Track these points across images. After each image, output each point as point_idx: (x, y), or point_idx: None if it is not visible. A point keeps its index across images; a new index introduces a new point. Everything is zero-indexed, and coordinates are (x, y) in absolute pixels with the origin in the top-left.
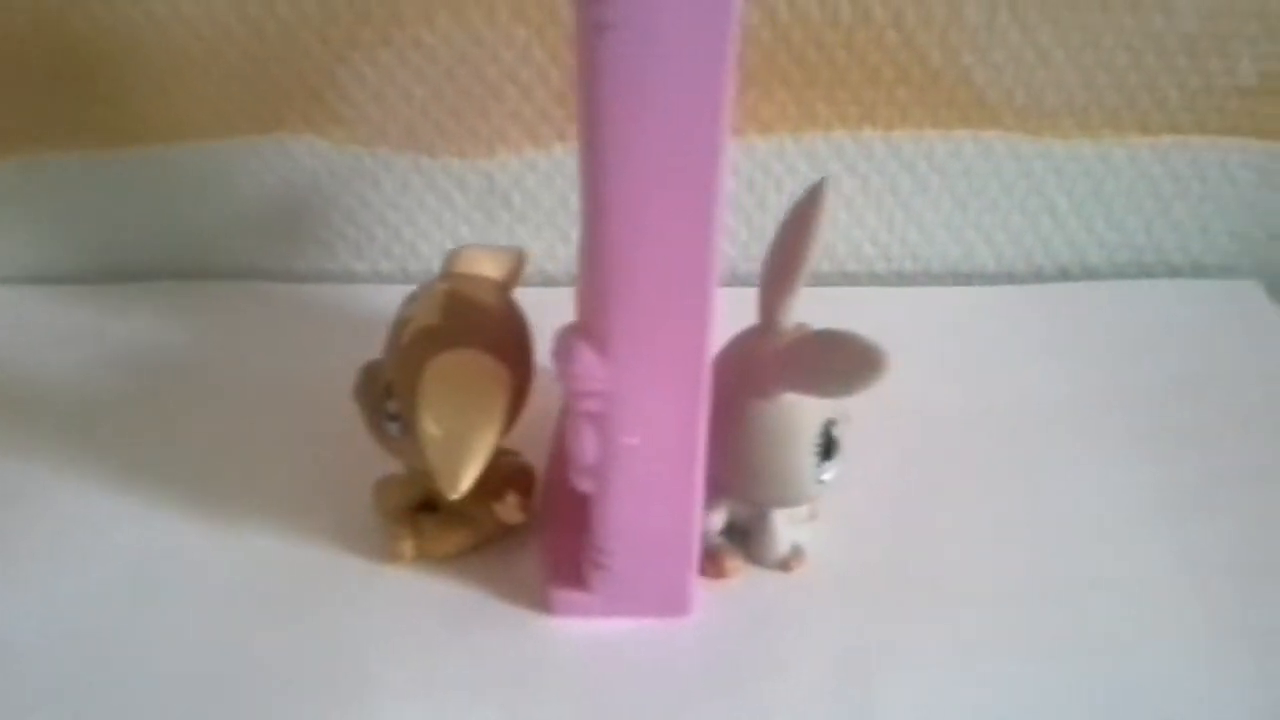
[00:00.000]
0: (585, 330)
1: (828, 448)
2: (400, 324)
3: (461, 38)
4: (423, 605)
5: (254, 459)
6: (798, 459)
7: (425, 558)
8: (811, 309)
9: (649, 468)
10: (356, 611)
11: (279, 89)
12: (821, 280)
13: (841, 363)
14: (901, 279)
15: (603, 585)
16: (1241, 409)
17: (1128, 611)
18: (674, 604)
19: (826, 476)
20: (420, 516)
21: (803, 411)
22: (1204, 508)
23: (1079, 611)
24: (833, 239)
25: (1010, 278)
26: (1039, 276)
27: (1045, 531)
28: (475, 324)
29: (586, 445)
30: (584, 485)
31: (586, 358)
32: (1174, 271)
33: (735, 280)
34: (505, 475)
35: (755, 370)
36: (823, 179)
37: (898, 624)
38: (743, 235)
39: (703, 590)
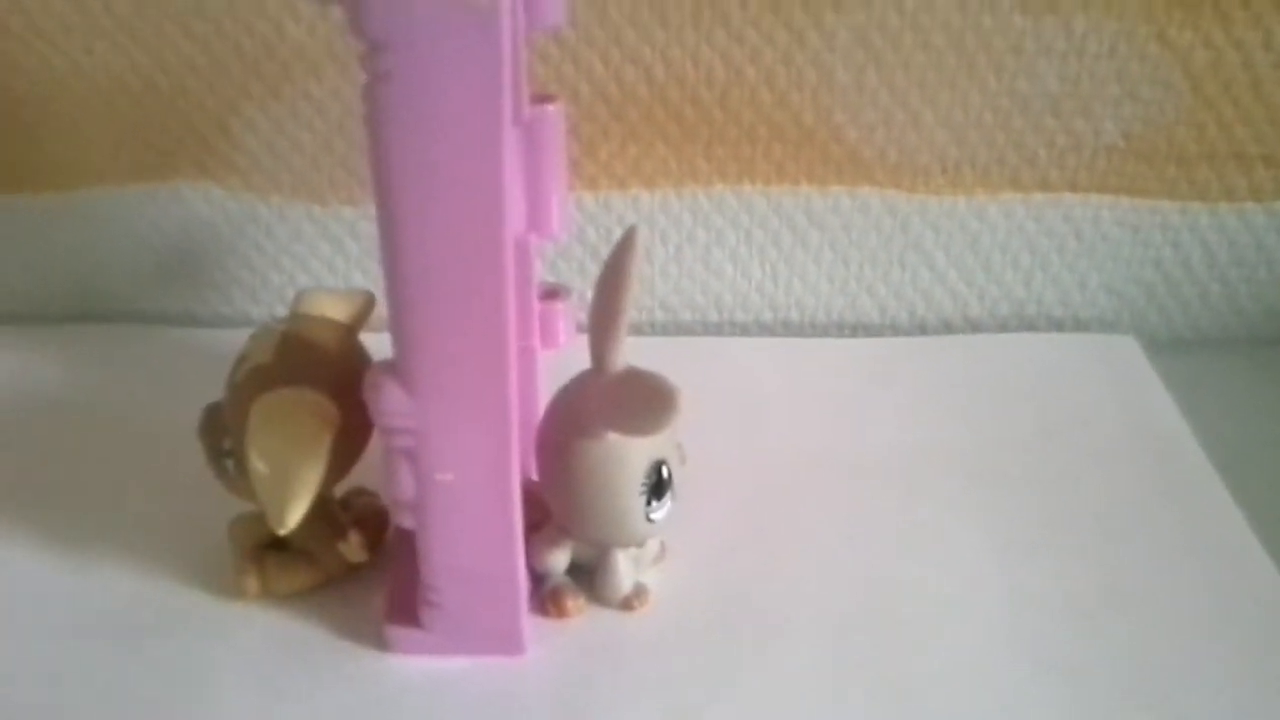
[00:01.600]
0: (393, 367)
1: (658, 487)
2: (237, 362)
3: (348, 90)
4: (264, 641)
5: (124, 496)
6: (625, 498)
7: (271, 595)
8: (697, 358)
9: (465, 505)
10: (199, 647)
11: (173, 138)
12: (709, 329)
13: (642, 402)
14: (788, 329)
15: (435, 623)
16: (1094, 457)
17: (956, 652)
18: (507, 643)
19: (656, 516)
20: (266, 554)
21: (629, 451)
22: (1040, 555)
23: (907, 654)
24: (719, 289)
25: (894, 329)
26: (922, 329)
27: (883, 575)
28: (309, 364)
29: (402, 481)
30: (405, 521)
31: (394, 394)
32: (1056, 325)
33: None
34: (356, 515)
35: (582, 411)
36: (633, 226)
37: (733, 665)
38: None
39: (542, 629)
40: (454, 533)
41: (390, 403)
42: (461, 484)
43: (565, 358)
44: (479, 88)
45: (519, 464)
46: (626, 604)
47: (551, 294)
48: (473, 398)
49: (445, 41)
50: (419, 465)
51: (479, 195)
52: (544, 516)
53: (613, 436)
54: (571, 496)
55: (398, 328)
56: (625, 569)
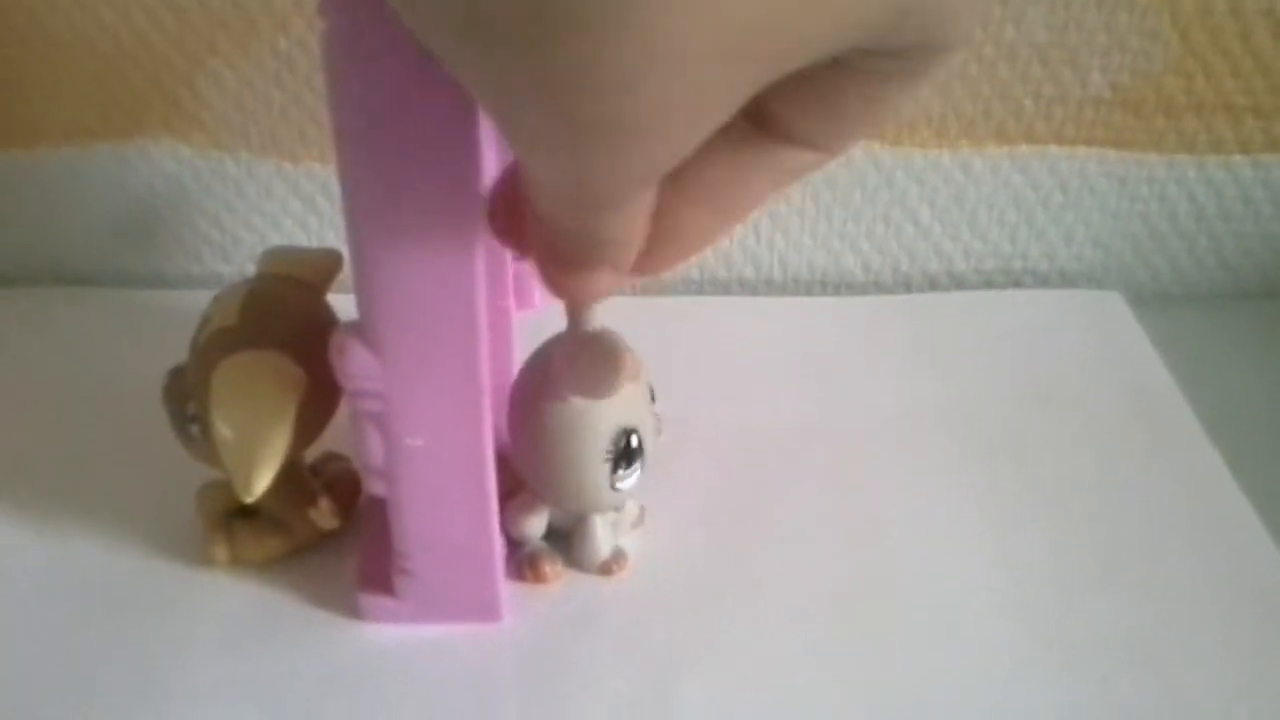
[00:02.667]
0: (359, 328)
1: (626, 455)
2: (201, 324)
3: (317, 43)
4: (235, 610)
5: (91, 463)
6: (588, 464)
7: (240, 563)
8: (679, 318)
9: (437, 471)
10: (167, 616)
11: (139, 96)
12: (691, 288)
13: (589, 365)
14: (770, 287)
15: (408, 591)
16: (1084, 419)
17: (941, 619)
18: (483, 611)
19: (623, 485)
20: (236, 521)
21: (593, 417)
22: (1027, 516)
23: (890, 619)
24: None
25: (878, 287)
26: (906, 285)
27: (865, 539)
28: (275, 325)
29: (372, 446)
30: (376, 488)
31: (360, 356)
32: (1041, 280)
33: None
34: (327, 480)
35: (548, 373)
36: None
37: (714, 632)
38: None
39: (519, 595)
40: (426, 499)
41: (356, 365)
42: (432, 449)
43: (551, 319)
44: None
45: (491, 429)
46: (605, 569)
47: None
48: (441, 359)
49: None
50: (388, 430)
51: (446, 145)
52: (519, 483)
53: (578, 401)
54: (537, 461)
55: (362, 287)
56: (603, 534)
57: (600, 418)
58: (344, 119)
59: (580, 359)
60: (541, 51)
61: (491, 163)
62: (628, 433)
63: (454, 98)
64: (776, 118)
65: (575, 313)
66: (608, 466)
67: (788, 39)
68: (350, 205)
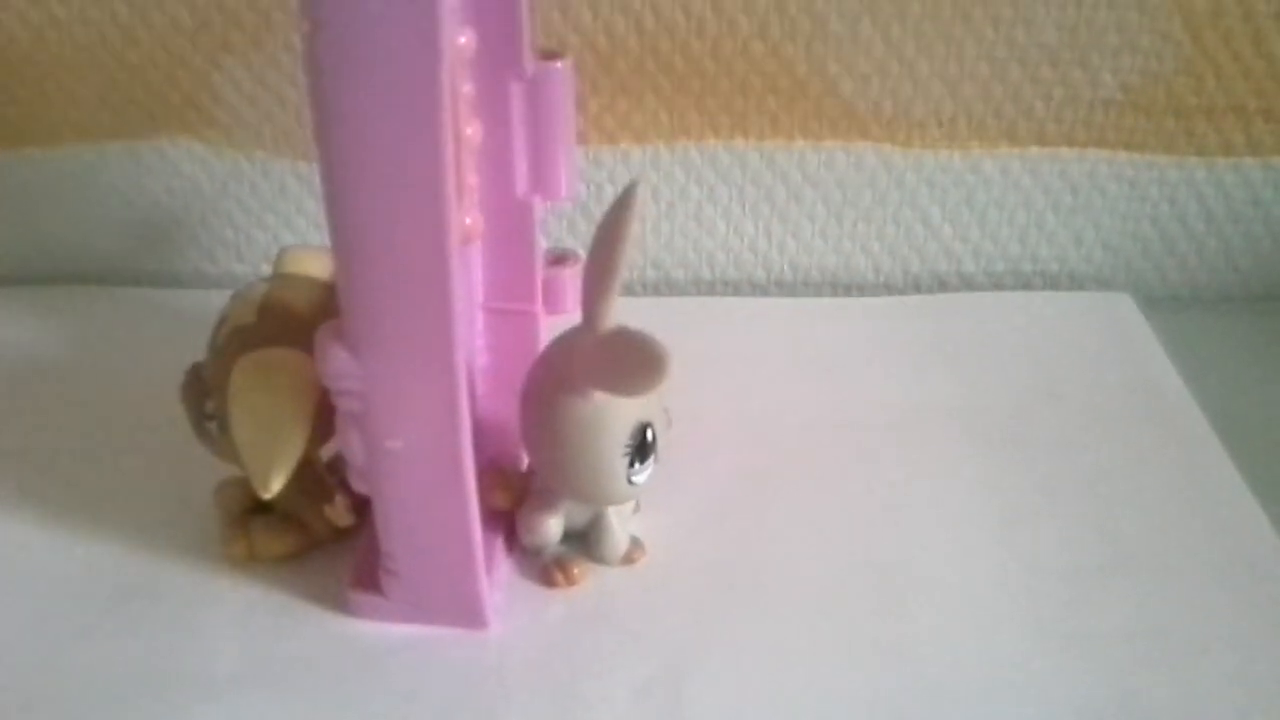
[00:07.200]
0: (341, 330)
1: (641, 449)
2: (219, 323)
3: None
4: (250, 606)
5: (108, 460)
6: (608, 459)
7: (258, 559)
8: (691, 318)
9: (415, 474)
10: (186, 613)
11: (155, 94)
12: (702, 288)
13: (632, 363)
14: (781, 288)
15: (394, 591)
16: (1091, 417)
17: (954, 614)
18: (467, 616)
19: (638, 479)
20: (253, 518)
21: (614, 412)
22: (1038, 513)
23: (900, 612)
24: (711, 247)
25: (888, 288)
26: (916, 286)
27: (877, 535)
28: (292, 324)
29: (354, 446)
30: (359, 486)
31: (339, 356)
32: (1050, 282)
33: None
34: (343, 478)
35: (570, 369)
36: (633, 181)
37: (721, 630)
38: None
39: (522, 598)
40: (405, 502)
41: (335, 364)
42: (411, 453)
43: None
44: (414, 30)
45: (470, 434)
46: (628, 559)
47: (559, 259)
48: (418, 360)
49: None
50: (367, 431)
51: (418, 148)
52: (521, 496)
53: (599, 396)
54: (554, 454)
55: (342, 287)
56: (619, 526)
57: (620, 412)
58: (324, 122)
59: (617, 357)
60: None
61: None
62: (644, 427)
63: (428, 105)
64: None
65: (593, 312)
66: (626, 460)
67: None
68: (329, 207)
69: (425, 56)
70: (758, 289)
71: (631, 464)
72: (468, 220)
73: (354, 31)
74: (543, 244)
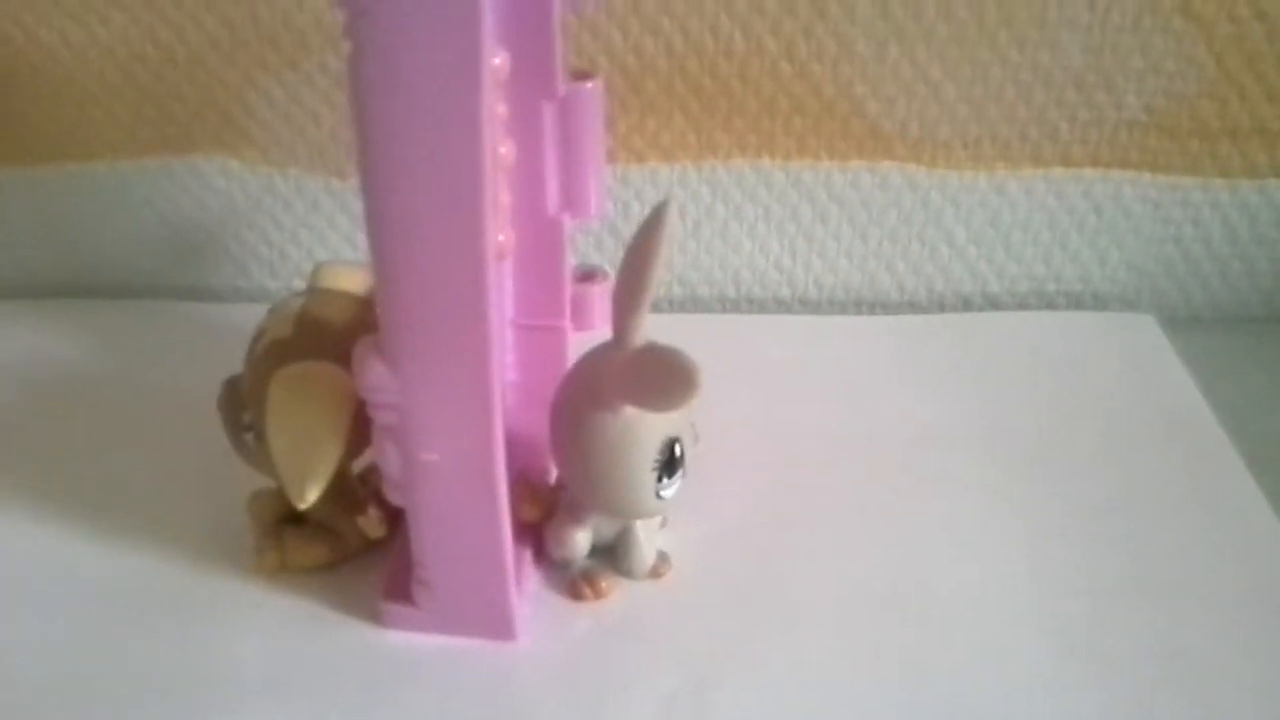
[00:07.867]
0: (379, 343)
1: (670, 464)
2: (256, 336)
3: None
4: (282, 616)
5: (143, 471)
6: (637, 473)
7: (291, 569)
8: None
9: (450, 487)
10: (218, 622)
11: (191, 111)
12: (727, 305)
13: (662, 379)
14: (806, 306)
15: (426, 601)
16: (1114, 438)
17: (976, 632)
18: (497, 627)
19: (666, 494)
20: (286, 528)
21: (643, 427)
22: (1061, 532)
23: (924, 629)
24: (737, 265)
25: (913, 307)
26: (941, 305)
27: (901, 552)
28: (327, 337)
29: (389, 458)
30: (395, 498)
31: (376, 369)
32: (1075, 302)
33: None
34: (376, 489)
35: (600, 384)
36: (665, 200)
37: (745, 645)
38: None
39: (552, 612)
40: (439, 514)
41: (373, 378)
42: (446, 465)
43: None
44: (456, 52)
45: (503, 449)
46: (654, 573)
47: (587, 276)
48: (454, 375)
49: (422, 5)
50: (403, 443)
51: (458, 167)
52: (549, 509)
53: (629, 412)
54: (584, 468)
55: (380, 302)
56: (647, 540)
57: (650, 427)
58: (366, 141)
59: (648, 372)
60: None
61: (553, 190)
62: (673, 442)
63: (468, 125)
64: None
65: (623, 328)
66: (655, 475)
67: None
68: (370, 223)
69: (466, 77)
70: (782, 307)
71: (660, 479)
72: (501, 237)
73: (396, 52)
74: (571, 261)
